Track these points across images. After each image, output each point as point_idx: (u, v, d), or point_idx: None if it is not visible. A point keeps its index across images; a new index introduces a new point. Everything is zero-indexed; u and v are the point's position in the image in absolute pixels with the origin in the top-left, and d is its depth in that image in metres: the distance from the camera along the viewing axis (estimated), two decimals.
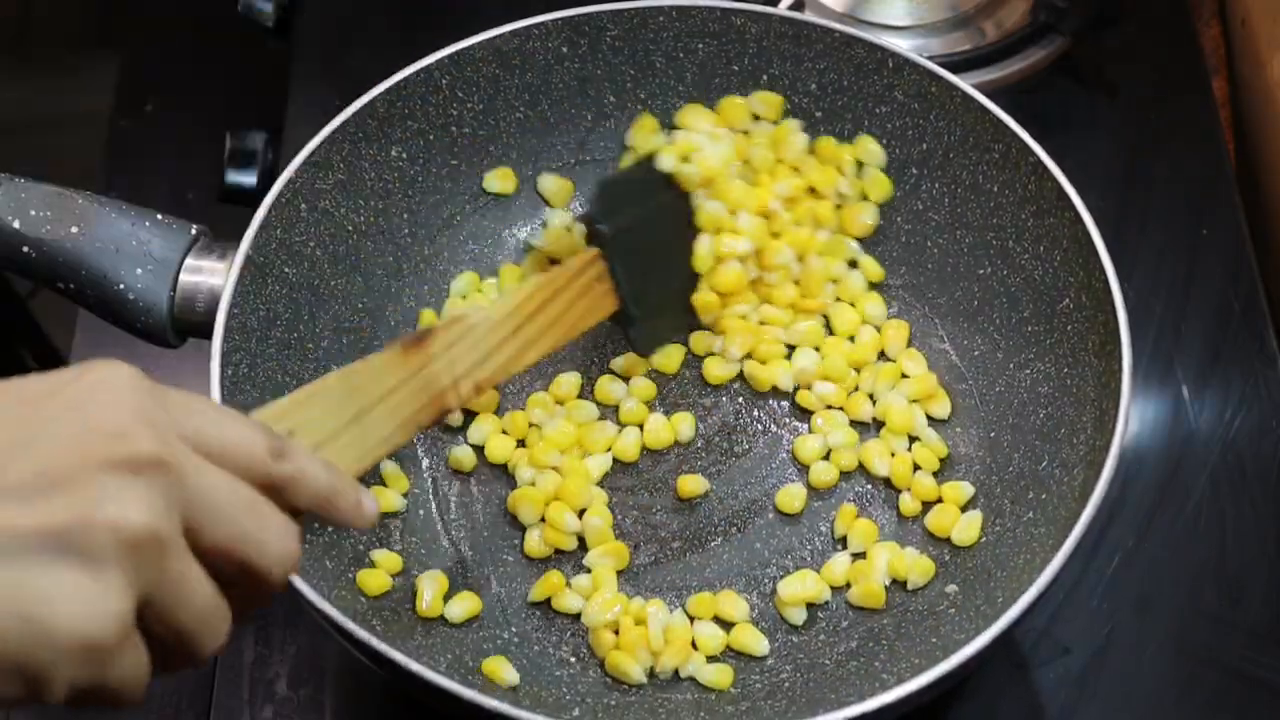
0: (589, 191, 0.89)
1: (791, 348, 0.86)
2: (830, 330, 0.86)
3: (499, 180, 0.88)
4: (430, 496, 0.82)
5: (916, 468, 0.82)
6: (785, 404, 0.85)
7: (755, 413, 0.85)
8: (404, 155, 0.86)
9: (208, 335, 0.76)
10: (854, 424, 0.84)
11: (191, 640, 0.50)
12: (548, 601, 0.79)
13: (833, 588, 0.79)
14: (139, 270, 0.77)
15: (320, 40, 1.05)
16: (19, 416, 0.47)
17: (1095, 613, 0.82)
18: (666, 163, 0.81)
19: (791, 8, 0.94)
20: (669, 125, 0.88)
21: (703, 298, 0.83)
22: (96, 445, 0.47)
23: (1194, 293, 0.93)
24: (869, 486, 0.82)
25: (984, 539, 0.79)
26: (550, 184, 0.89)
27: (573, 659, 0.77)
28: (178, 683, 0.81)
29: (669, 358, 0.85)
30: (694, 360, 0.86)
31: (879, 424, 0.84)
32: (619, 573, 0.79)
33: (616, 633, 0.77)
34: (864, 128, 0.87)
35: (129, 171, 1.06)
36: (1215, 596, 0.83)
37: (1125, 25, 1.00)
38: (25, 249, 0.77)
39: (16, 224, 0.76)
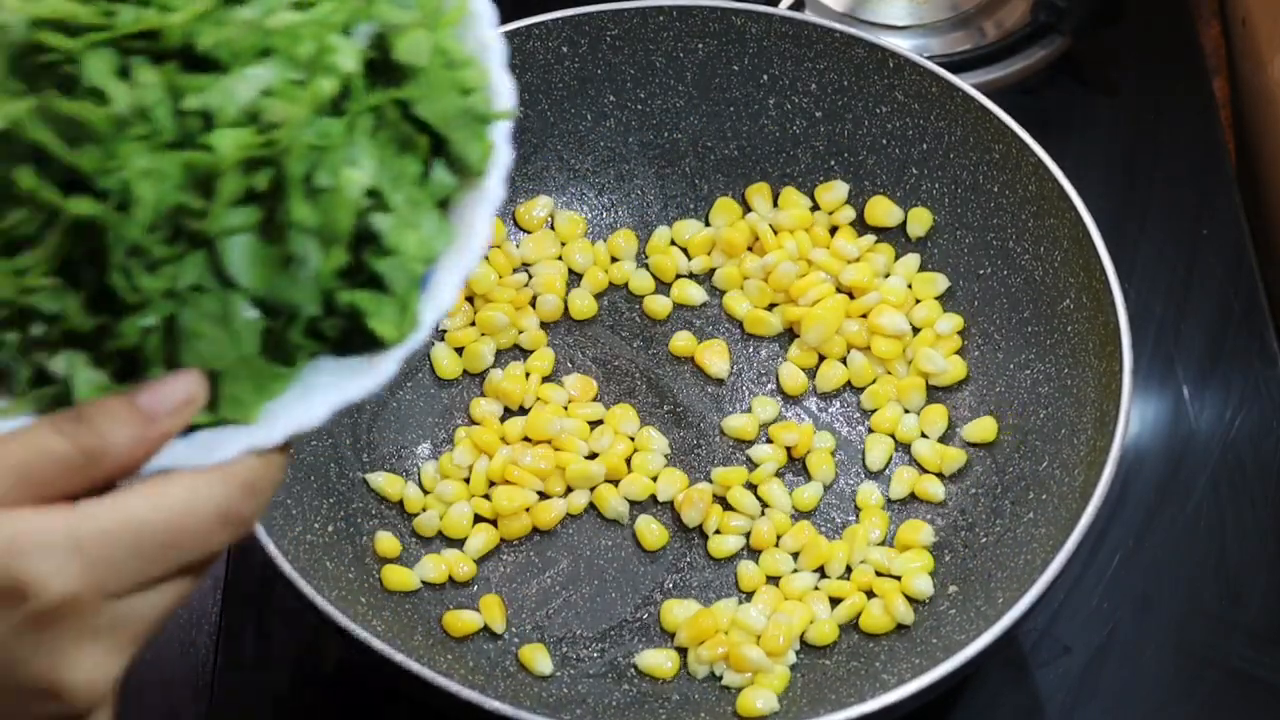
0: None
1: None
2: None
3: None
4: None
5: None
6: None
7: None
8: None
9: None
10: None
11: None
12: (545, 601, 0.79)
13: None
14: None
15: None
16: None
17: (1096, 612, 0.82)
18: None
19: (792, 8, 0.94)
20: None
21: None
22: None
23: (1194, 293, 0.93)
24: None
25: (976, 546, 0.79)
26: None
27: (573, 659, 0.77)
28: (178, 683, 0.81)
29: None
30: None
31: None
32: None
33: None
34: (864, 127, 0.87)
35: None
36: (1215, 596, 0.83)
37: (1125, 25, 1.00)
38: None
39: None
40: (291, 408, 0.51)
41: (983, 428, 0.83)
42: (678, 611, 0.78)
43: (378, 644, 0.67)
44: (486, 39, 0.54)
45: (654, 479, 0.82)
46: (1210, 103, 1.01)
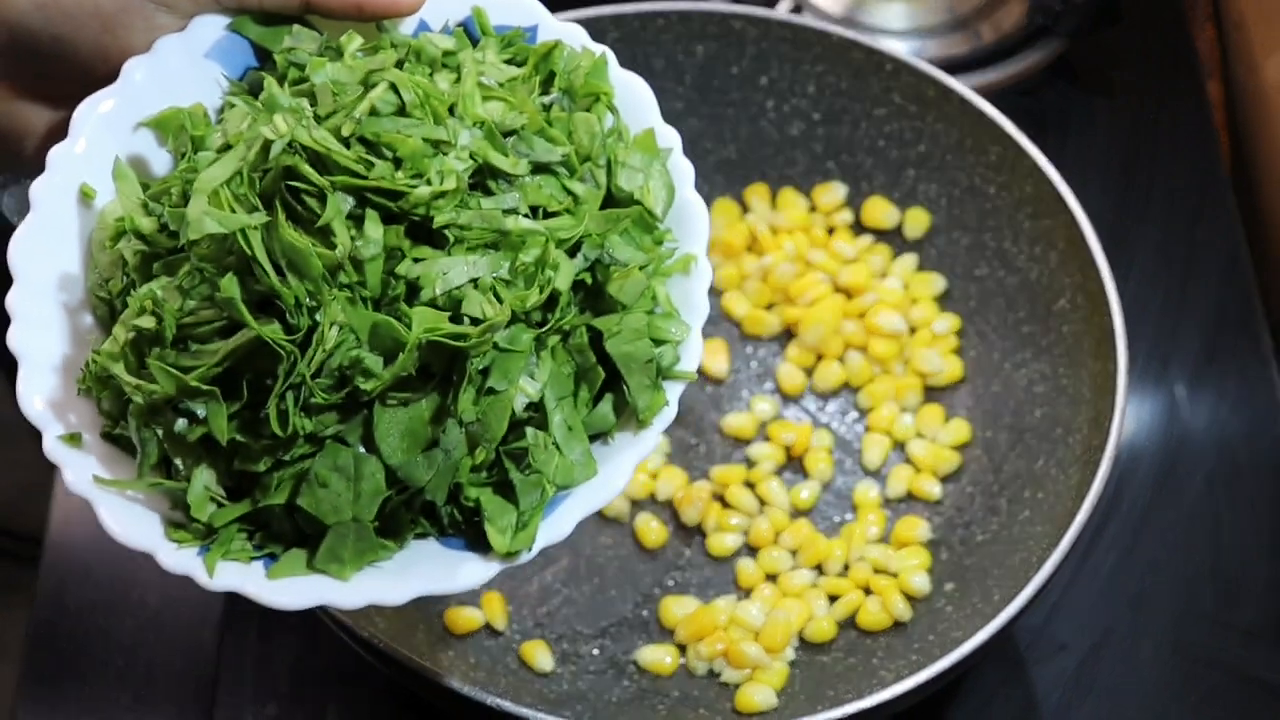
0: None
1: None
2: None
3: None
4: None
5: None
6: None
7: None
8: None
9: None
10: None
11: None
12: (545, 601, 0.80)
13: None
14: None
15: None
16: None
17: (1091, 611, 0.83)
18: None
19: (790, 11, 0.94)
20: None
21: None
22: None
23: (1189, 293, 0.94)
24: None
25: (968, 549, 0.80)
26: None
27: (574, 656, 0.78)
28: (182, 681, 0.81)
29: None
30: None
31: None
32: None
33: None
34: (861, 129, 0.88)
35: None
36: (1211, 595, 0.83)
37: (1121, 28, 1.01)
38: None
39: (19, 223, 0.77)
40: (379, 581, 0.52)
41: (957, 430, 0.83)
42: (677, 609, 0.79)
43: (380, 642, 0.68)
44: (698, 302, 0.55)
45: (653, 477, 0.83)
46: (1205, 105, 1.02)
